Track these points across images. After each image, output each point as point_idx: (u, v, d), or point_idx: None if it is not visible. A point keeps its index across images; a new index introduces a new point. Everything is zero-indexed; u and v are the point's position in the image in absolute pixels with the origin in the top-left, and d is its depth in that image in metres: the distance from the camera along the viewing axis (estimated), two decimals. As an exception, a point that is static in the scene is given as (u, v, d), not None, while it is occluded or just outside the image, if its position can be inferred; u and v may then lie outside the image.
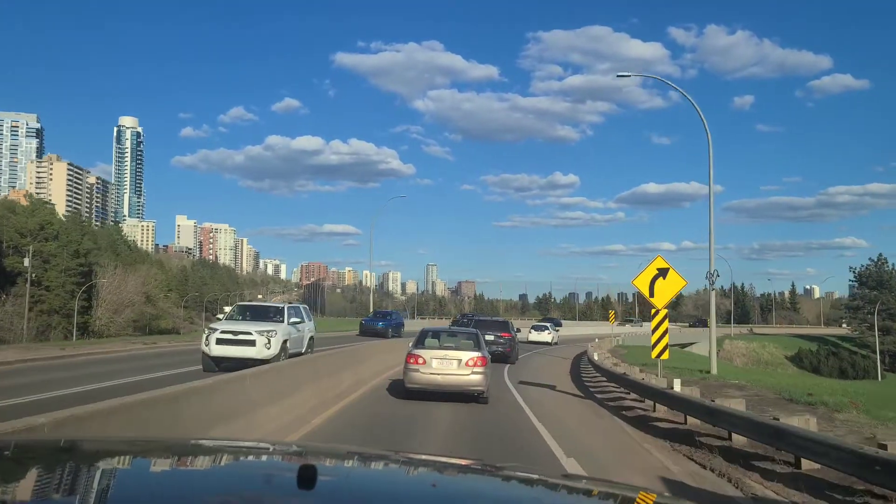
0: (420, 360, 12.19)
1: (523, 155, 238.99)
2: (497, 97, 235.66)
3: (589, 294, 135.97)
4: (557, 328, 42.47)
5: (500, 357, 21.81)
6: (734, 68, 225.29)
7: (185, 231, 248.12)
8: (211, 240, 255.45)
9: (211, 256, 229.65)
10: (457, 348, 12.71)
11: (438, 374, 12.10)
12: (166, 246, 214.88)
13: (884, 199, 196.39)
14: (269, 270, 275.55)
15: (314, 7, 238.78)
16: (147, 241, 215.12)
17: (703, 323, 47.94)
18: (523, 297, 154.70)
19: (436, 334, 13.98)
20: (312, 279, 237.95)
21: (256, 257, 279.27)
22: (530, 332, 41.60)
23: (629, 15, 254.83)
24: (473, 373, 12.06)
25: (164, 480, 1.67)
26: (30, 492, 1.46)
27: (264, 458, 2.12)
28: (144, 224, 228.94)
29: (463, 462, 2.25)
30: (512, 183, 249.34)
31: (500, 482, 1.98)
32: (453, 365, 12.12)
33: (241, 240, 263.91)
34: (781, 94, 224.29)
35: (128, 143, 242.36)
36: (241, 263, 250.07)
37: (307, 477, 1.42)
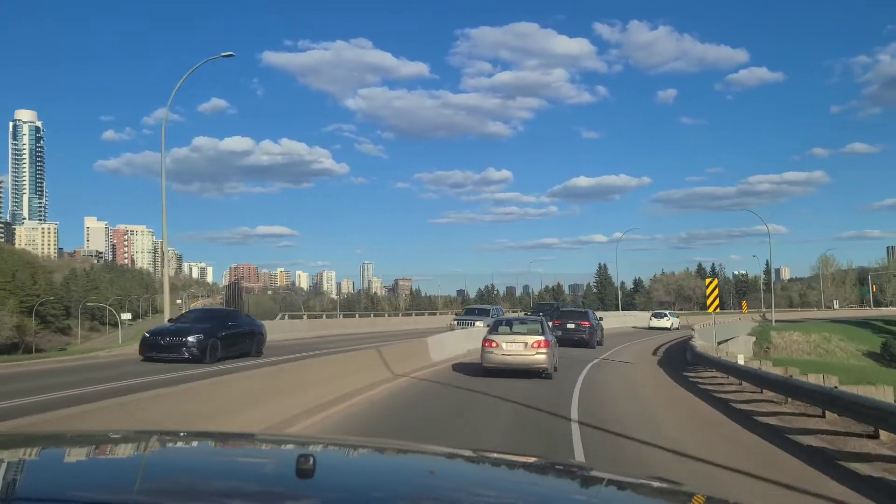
0: (494, 344, 14.62)
1: (457, 152, 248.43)
2: (428, 94, 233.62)
3: (526, 287, 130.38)
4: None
5: (580, 342, 25.86)
6: (657, 63, 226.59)
7: (95, 234, 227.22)
8: (126, 243, 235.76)
9: (126, 261, 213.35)
10: (524, 333, 15.09)
11: (509, 355, 14.42)
12: (74, 251, 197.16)
13: (799, 187, 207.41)
14: (195, 274, 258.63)
15: (238, 5, 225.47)
16: (48, 244, 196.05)
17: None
18: (461, 291, 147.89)
19: (507, 322, 16.66)
20: (242, 281, 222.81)
21: (179, 260, 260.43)
22: (651, 319, 47.90)
23: (555, 11, 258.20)
24: (538, 353, 14.41)
25: (159, 471, 1.64)
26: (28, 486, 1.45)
27: (262, 448, 2.12)
28: (45, 226, 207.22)
29: (464, 452, 2.26)
30: (446, 180, 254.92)
31: (499, 470, 2.02)
32: (520, 347, 14.45)
33: (160, 242, 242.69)
34: (702, 87, 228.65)
35: (25, 140, 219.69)
36: (161, 267, 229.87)
37: (305, 467, 1.41)
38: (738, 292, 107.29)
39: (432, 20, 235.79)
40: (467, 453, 2.23)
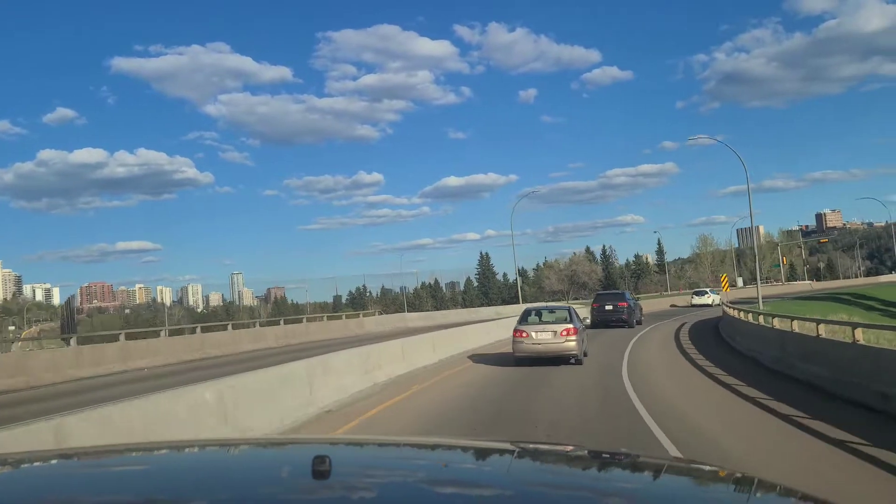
0: (524, 334, 15.18)
1: (326, 156, 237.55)
2: (293, 99, 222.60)
3: (404, 288, 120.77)
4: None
5: (619, 322, 27.23)
6: (517, 64, 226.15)
7: None
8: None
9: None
10: (552, 322, 15.61)
11: (539, 344, 14.96)
12: None
13: (653, 179, 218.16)
14: (39, 296, 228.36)
15: (80, 11, 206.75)
16: None
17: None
18: (337, 297, 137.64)
19: (537, 312, 16.91)
20: (95, 301, 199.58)
21: (19, 282, 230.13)
22: (692, 297, 52.25)
23: (415, 13, 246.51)
24: (567, 340, 14.82)
25: (176, 479, 1.64)
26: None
27: (277, 451, 2.12)
28: None
29: (480, 444, 2.30)
30: (316, 185, 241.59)
31: (517, 462, 1.98)
32: (549, 335, 14.95)
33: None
34: (560, 86, 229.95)
35: None
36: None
37: (321, 468, 1.42)
38: (634, 276, 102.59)
39: (292, 24, 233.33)
40: (485, 444, 2.30)
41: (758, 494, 1.64)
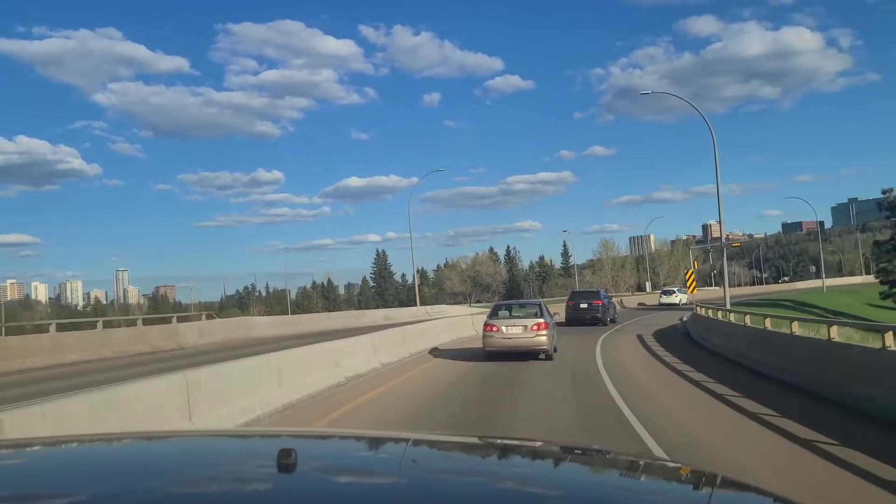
0: (494, 329, 15.19)
1: (224, 152, 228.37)
2: (189, 91, 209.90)
3: (303, 288, 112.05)
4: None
5: (593, 321, 27.48)
6: (422, 67, 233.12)
7: None
8: None
9: None
10: (523, 317, 15.50)
11: (510, 339, 14.93)
12: None
13: (551, 186, 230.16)
14: None
15: None
16: None
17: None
18: (232, 296, 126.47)
19: (507, 307, 17.13)
20: None
21: None
22: (661, 297, 53.07)
23: (320, 11, 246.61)
24: (537, 335, 14.80)
25: (140, 472, 1.57)
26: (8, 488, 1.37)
27: (243, 444, 2.05)
28: None
29: (449, 438, 2.28)
30: (213, 181, 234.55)
31: (488, 456, 2.00)
32: (520, 330, 14.93)
33: None
34: (463, 92, 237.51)
35: None
36: None
37: (287, 460, 1.42)
38: (539, 279, 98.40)
39: (190, 13, 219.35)
40: (450, 439, 2.31)
41: (721, 491, 1.66)
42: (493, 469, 1.78)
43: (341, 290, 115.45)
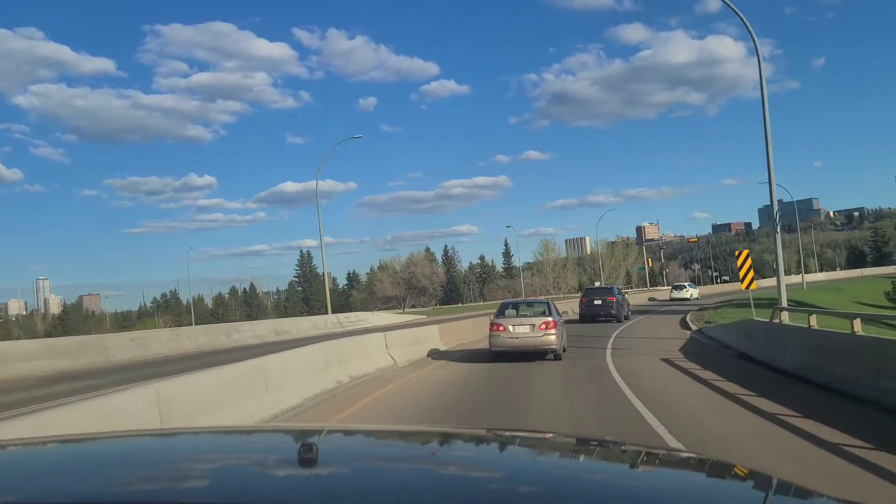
0: (501, 328, 14.69)
1: (153, 156, 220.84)
2: (116, 94, 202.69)
3: (218, 295, 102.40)
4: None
5: (608, 317, 27.42)
6: (357, 71, 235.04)
7: None
8: None
9: None
10: (530, 315, 15.00)
11: (517, 338, 14.45)
12: None
13: (488, 191, 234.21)
14: None
15: None
16: None
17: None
18: (168, 300, 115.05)
19: (514, 306, 16.32)
20: None
21: None
22: (672, 292, 52.61)
23: (252, 13, 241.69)
24: (546, 334, 14.33)
25: (165, 468, 1.60)
26: (26, 488, 1.39)
27: (264, 439, 2.09)
28: None
29: (467, 431, 2.34)
30: (142, 186, 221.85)
31: (504, 449, 2.01)
32: (527, 329, 14.48)
33: None
34: (399, 96, 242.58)
35: None
36: None
37: (308, 456, 1.46)
38: (479, 280, 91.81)
39: (116, 13, 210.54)
40: (474, 432, 2.32)
41: (741, 483, 1.67)
42: (511, 460, 1.81)
43: (272, 296, 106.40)
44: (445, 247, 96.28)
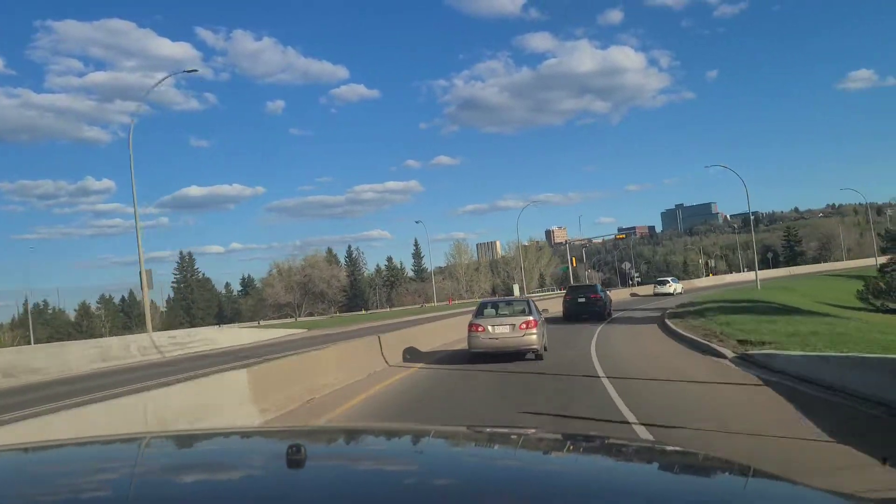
0: (480, 328, 14.14)
1: (46, 158, 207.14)
2: (5, 92, 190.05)
3: (107, 301, 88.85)
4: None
5: (592, 315, 26.24)
6: (265, 73, 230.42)
7: None
8: None
9: None
10: (510, 315, 14.49)
11: (497, 339, 13.92)
12: None
13: (399, 195, 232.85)
14: None
15: None
16: None
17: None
18: (41, 311, 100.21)
19: (493, 305, 15.68)
20: None
21: None
22: (655, 287, 50.76)
23: (153, 11, 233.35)
24: (526, 334, 13.77)
25: (152, 472, 1.62)
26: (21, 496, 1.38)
27: (251, 441, 2.09)
28: None
29: (451, 429, 2.31)
30: (33, 190, 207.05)
31: (489, 446, 2.01)
32: (507, 329, 13.95)
33: None
34: (309, 100, 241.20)
35: None
36: None
37: (296, 457, 1.46)
38: (387, 284, 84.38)
39: (3, 7, 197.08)
40: (460, 430, 2.32)
41: (725, 476, 1.67)
42: (500, 457, 1.81)
43: (160, 303, 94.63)
44: (349, 247, 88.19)
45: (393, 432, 2.24)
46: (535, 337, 13.69)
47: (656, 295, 47.82)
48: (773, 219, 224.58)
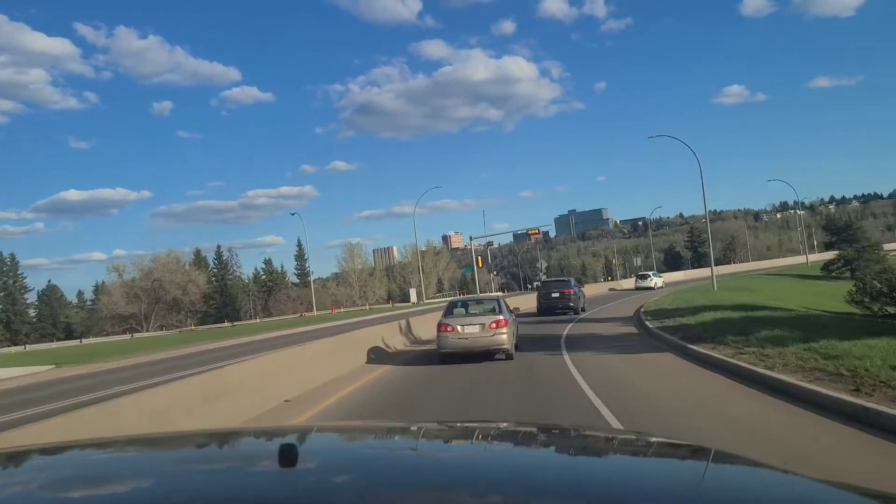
0: (449, 328, 13.80)
1: None
2: None
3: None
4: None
5: (565, 309, 26.34)
6: (150, 73, 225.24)
7: None
8: None
9: None
10: (480, 314, 14.27)
11: (466, 339, 13.63)
12: None
13: (294, 201, 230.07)
14: None
15: None
16: None
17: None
18: None
19: (463, 304, 15.40)
20: None
21: None
22: (636, 281, 50.84)
23: (26, 4, 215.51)
24: (497, 333, 13.52)
25: (145, 473, 1.59)
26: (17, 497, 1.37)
27: (244, 441, 2.10)
28: None
29: (439, 426, 2.32)
30: None
31: (483, 441, 2.03)
32: (477, 328, 13.68)
33: None
34: (198, 101, 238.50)
35: None
36: None
37: (288, 455, 1.46)
38: (264, 291, 74.14)
39: None
40: (441, 427, 2.34)
41: (701, 463, 1.69)
42: (492, 453, 1.83)
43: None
44: (219, 247, 75.14)
45: (389, 430, 2.26)
46: (505, 336, 13.49)
47: (637, 289, 47.91)
48: (659, 224, 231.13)
